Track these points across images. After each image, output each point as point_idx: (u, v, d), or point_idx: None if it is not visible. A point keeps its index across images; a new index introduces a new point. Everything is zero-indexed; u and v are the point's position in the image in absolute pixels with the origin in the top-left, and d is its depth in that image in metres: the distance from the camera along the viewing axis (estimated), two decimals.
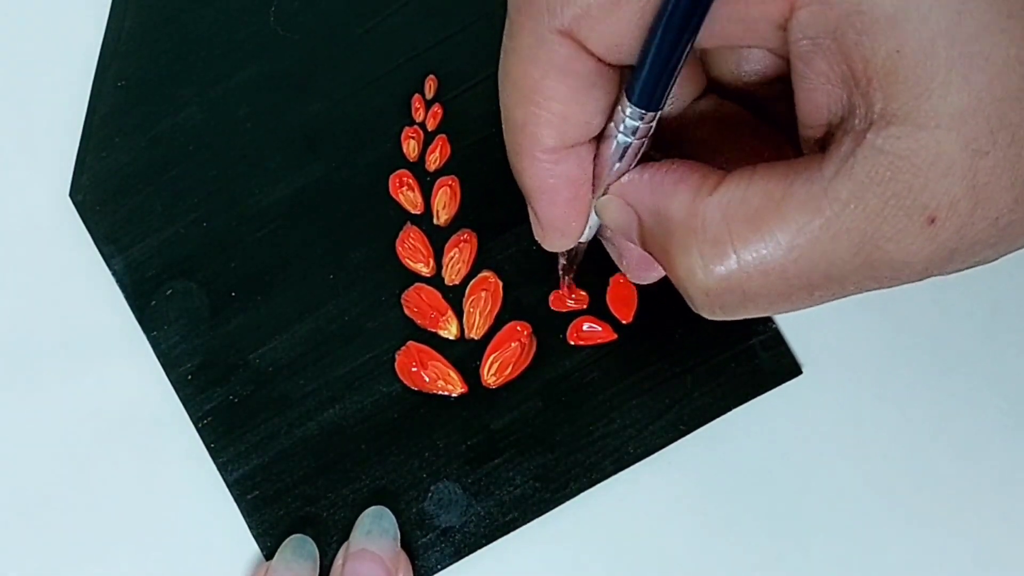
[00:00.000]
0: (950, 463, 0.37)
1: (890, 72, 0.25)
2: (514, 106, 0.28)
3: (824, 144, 0.27)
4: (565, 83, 0.27)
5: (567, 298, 0.38)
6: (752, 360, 0.37)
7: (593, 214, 0.31)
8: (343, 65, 0.39)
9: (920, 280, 0.27)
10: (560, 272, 0.36)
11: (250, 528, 0.37)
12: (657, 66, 0.27)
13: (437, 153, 0.38)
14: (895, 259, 0.26)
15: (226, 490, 0.37)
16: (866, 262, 0.26)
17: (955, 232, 0.25)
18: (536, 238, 0.32)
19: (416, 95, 0.39)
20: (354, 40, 0.39)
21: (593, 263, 0.37)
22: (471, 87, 0.39)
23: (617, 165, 0.29)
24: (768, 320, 0.37)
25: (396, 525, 0.36)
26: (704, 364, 0.37)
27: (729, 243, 0.26)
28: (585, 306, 0.38)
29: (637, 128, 0.28)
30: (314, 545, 0.36)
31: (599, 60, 0.27)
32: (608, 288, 0.38)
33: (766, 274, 0.26)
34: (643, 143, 0.28)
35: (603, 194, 0.30)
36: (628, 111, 0.28)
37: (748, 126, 0.31)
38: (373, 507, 0.37)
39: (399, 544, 0.36)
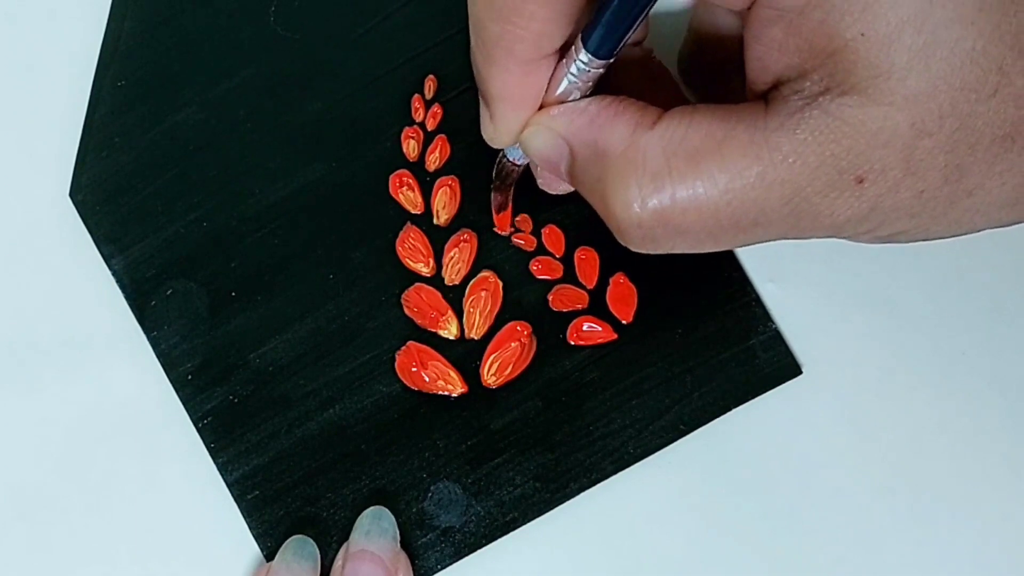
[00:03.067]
0: (950, 463, 0.37)
1: (852, 52, 0.25)
2: (489, 21, 0.29)
3: (767, 96, 0.27)
4: (546, 7, 0.28)
5: (506, 229, 0.38)
6: (752, 360, 0.37)
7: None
8: (343, 65, 0.39)
9: (834, 236, 0.28)
10: (493, 192, 0.37)
11: (250, 528, 0.37)
12: (616, 19, 0.28)
13: (437, 153, 0.38)
14: (819, 212, 0.27)
15: (226, 490, 0.37)
16: (793, 212, 0.27)
17: (879, 195, 0.27)
18: (484, 135, 0.33)
19: (416, 95, 0.39)
20: (354, 40, 0.39)
21: (594, 262, 0.38)
22: (471, 87, 0.38)
23: (565, 87, 0.30)
24: (768, 320, 0.37)
25: (395, 525, 0.36)
26: (704, 364, 0.37)
27: (668, 177, 0.27)
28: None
29: (587, 72, 0.29)
30: (315, 546, 0.36)
31: None
32: (608, 288, 0.38)
33: (699, 211, 0.27)
34: (592, 80, 0.30)
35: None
36: (580, 56, 0.29)
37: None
38: (372, 507, 0.37)
39: (399, 544, 0.36)
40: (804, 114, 0.26)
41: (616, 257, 0.38)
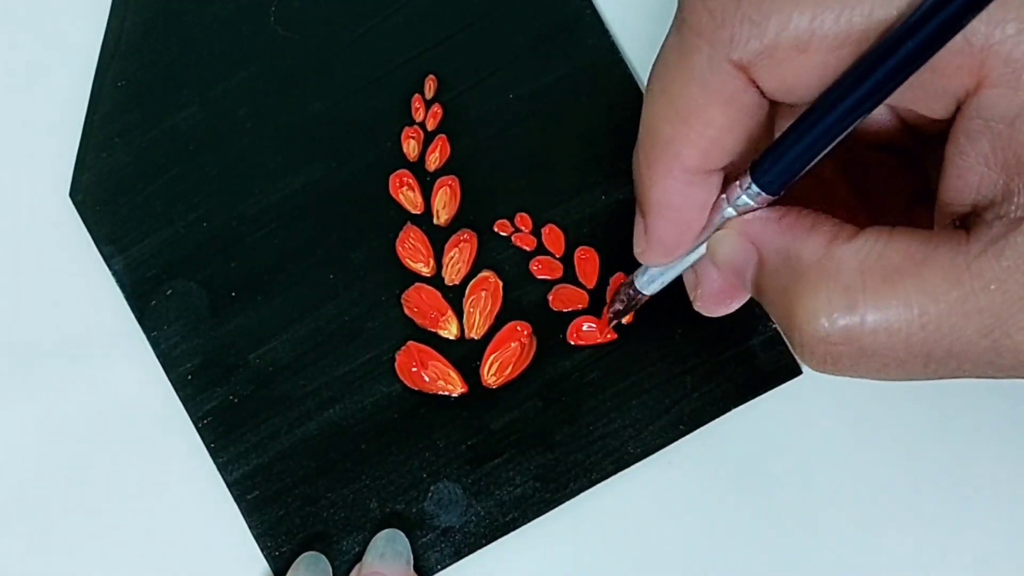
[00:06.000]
0: (950, 463, 0.37)
1: None
2: (664, 121, 0.28)
3: (964, 222, 0.26)
4: (726, 113, 0.27)
5: (600, 332, 0.37)
6: (752, 360, 0.37)
7: (686, 255, 0.31)
8: (343, 65, 0.39)
9: None
10: (610, 313, 0.36)
11: (250, 528, 0.37)
12: (798, 157, 0.27)
13: (437, 153, 0.38)
14: (1021, 349, 0.25)
15: (226, 490, 0.37)
16: (992, 347, 0.25)
17: None
18: (636, 251, 0.31)
19: (416, 95, 0.39)
20: (354, 40, 0.39)
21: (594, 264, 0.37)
22: (471, 87, 0.39)
23: (730, 208, 0.29)
24: (768, 320, 0.38)
25: (409, 548, 0.36)
26: (704, 364, 0.37)
27: (861, 294, 0.26)
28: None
29: (751, 206, 0.28)
30: (327, 563, 0.36)
31: (764, 96, 0.27)
32: (608, 288, 0.38)
33: (890, 334, 0.26)
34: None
35: (717, 229, 0.29)
36: (746, 188, 0.28)
37: (851, 191, 0.31)
38: (387, 530, 0.37)
39: (412, 567, 0.36)
40: (1009, 239, 0.25)
41: (616, 257, 0.38)
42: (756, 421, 0.38)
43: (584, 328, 0.38)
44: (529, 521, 0.37)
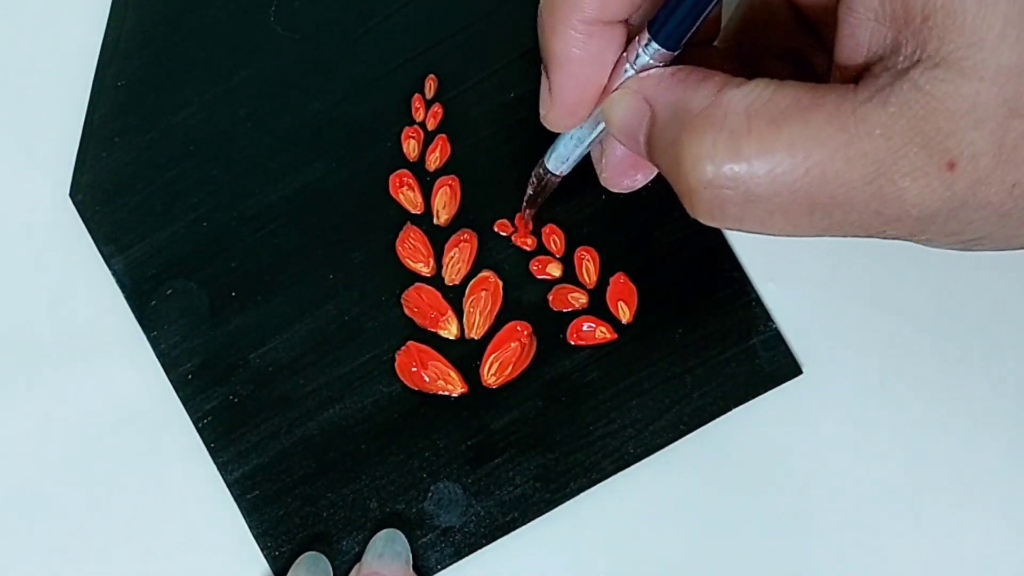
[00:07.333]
0: (950, 463, 0.37)
1: (948, 15, 0.24)
2: None
3: (857, 79, 0.27)
4: None
5: (521, 236, 0.38)
6: (752, 360, 0.37)
7: (589, 128, 0.31)
8: (343, 65, 0.39)
9: (917, 235, 0.27)
10: (524, 202, 0.36)
11: (250, 528, 0.37)
12: (687, 10, 0.27)
13: (437, 153, 0.38)
14: (905, 197, 0.25)
15: (226, 490, 0.37)
16: (876, 194, 0.26)
17: (970, 185, 0.25)
18: (541, 113, 0.31)
19: (416, 95, 0.39)
20: (354, 40, 0.39)
21: (594, 262, 0.37)
22: (471, 87, 0.39)
23: (631, 69, 0.29)
24: (768, 320, 0.37)
25: (408, 548, 0.36)
26: (704, 364, 0.37)
27: (746, 137, 0.26)
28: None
29: (650, 64, 0.29)
30: (327, 563, 0.36)
31: None
32: (608, 288, 0.38)
33: (773, 179, 0.26)
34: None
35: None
36: (645, 46, 0.28)
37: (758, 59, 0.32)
38: (386, 530, 0.37)
39: (411, 567, 0.36)
40: (894, 88, 0.25)
41: (616, 257, 0.38)
42: (756, 421, 0.38)
43: (584, 328, 0.38)
44: (529, 521, 0.37)
